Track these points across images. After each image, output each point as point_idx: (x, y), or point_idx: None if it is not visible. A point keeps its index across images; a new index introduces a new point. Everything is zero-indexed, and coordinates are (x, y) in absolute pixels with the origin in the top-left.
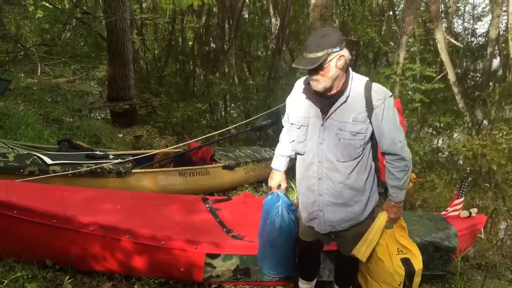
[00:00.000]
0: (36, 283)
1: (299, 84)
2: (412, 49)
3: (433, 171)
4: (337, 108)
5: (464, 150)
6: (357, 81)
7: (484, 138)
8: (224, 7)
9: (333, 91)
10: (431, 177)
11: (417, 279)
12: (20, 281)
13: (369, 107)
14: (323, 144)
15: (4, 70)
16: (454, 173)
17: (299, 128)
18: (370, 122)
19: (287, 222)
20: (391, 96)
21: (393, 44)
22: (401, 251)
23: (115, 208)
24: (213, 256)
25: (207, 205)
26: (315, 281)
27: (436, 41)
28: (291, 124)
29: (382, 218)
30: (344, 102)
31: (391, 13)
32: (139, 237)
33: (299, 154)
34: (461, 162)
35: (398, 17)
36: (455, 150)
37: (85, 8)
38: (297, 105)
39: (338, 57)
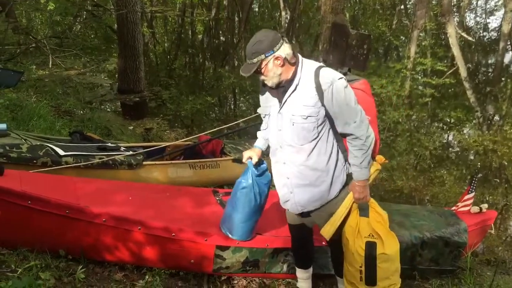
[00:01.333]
0: (49, 272)
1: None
2: (423, 44)
3: (443, 166)
4: (289, 96)
5: (474, 145)
6: (308, 68)
7: (495, 133)
8: (234, 0)
9: (283, 83)
10: (441, 172)
11: (383, 265)
12: (33, 270)
13: (319, 91)
14: (282, 130)
15: (16, 62)
16: (464, 169)
17: (264, 117)
18: (323, 105)
19: (248, 188)
20: (340, 78)
21: (404, 38)
22: (372, 235)
23: (126, 200)
24: (223, 248)
25: (217, 198)
26: (311, 269)
27: (448, 35)
28: (260, 113)
29: (348, 198)
30: (294, 90)
31: (402, 7)
32: (150, 229)
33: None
34: (471, 157)
35: (409, 11)
36: (465, 146)
37: (95, 0)
38: (263, 97)
39: (273, 60)
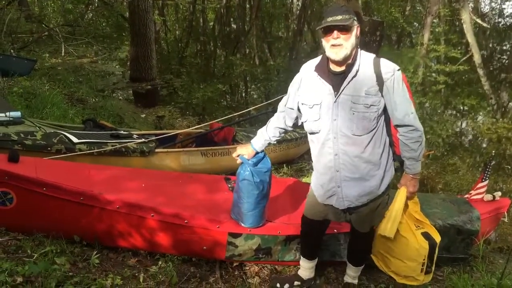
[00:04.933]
0: (64, 257)
1: (307, 67)
2: (436, 30)
3: (456, 154)
4: (348, 83)
5: (488, 133)
6: (365, 57)
7: (510, 121)
8: None
9: (344, 67)
10: (454, 160)
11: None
12: (49, 255)
13: (380, 81)
14: (337, 120)
15: (29, 50)
16: (478, 156)
17: (311, 108)
18: (382, 96)
19: (247, 179)
20: (399, 69)
21: (417, 25)
22: (419, 226)
23: (139, 187)
24: (235, 235)
25: (229, 185)
26: (316, 260)
27: (462, 21)
28: (302, 104)
29: (402, 193)
30: (355, 76)
31: None
32: (163, 215)
33: (313, 133)
34: (485, 145)
35: None
36: (479, 133)
37: None
38: (307, 86)
39: (357, 27)
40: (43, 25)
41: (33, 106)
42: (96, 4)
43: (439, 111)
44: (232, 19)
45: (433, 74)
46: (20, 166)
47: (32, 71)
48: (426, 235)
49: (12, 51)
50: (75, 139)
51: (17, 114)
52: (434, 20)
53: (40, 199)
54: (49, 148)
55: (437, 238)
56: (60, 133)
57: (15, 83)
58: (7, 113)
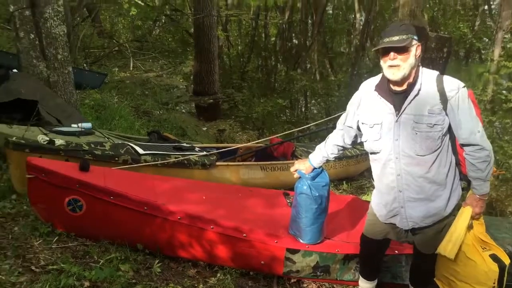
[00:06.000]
0: (128, 264)
1: (366, 85)
2: (508, 46)
3: None
4: (410, 102)
5: None
6: (428, 75)
7: None
8: (308, 3)
9: (405, 86)
10: None
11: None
12: (114, 262)
13: (443, 99)
14: (399, 140)
15: (100, 64)
16: None
17: (372, 127)
18: (446, 114)
19: (306, 193)
20: (464, 86)
21: (487, 40)
22: (485, 248)
23: (200, 199)
24: (293, 251)
25: (288, 200)
26: (376, 281)
27: None
28: (362, 123)
29: (466, 213)
30: (417, 95)
31: (486, 7)
32: (222, 228)
33: (374, 152)
34: None
35: (493, 11)
36: None
37: (174, 5)
38: (367, 104)
39: (417, 46)
40: (114, 41)
41: (102, 118)
42: (163, 21)
43: (510, 130)
44: (293, 35)
45: (504, 92)
46: (90, 175)
47: (102, 84)
48: (494, 257)
49: (85, 65)
50: (140, 151)
51: (88, 125)
52: (505, 36)
53: (107, 207)
54: (116, 159)
55: (506, 260)
56: (127, 144)
57: (87, 96)
58: (79, 124)
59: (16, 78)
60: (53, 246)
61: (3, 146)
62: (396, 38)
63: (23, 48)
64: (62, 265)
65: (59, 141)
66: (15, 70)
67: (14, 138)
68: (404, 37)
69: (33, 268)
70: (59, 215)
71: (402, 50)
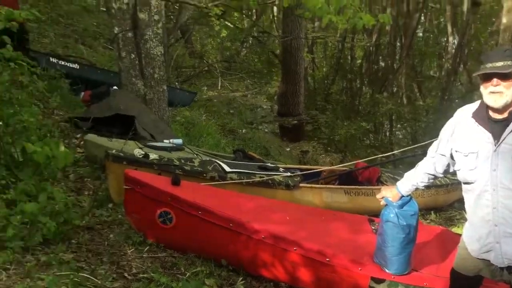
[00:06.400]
0: (213, 279)
1: (462, 112)
2: None
3: None
4: (510, 131)
5: None
6: None
7: None
8: (397, 26)
9: (506, 114)
10: None
11: None
12: (199, 275)
13: None
14: (497, 170)
15: (190, 83)
16: None
17: (466, 156)
18: None
19: (392, 221)
20: None
21: None
22: None
23: (284, 219)
24: (378, 281)
25: (373, 227)
26: None
27: None
28: (456, 151)
29: None
30: None
31: None
32: (305, 250)
33: (468, 183)
34: None
35: None
36: None
37: (261, 27)
38: (462, 132)
39: None
40: (204, 61)
41: (191, 135)
42: (250, 42)
43: None
44: (380, 57)
45: None
46: (181, 189)
47: (192, 103)
48: None
49: (176, 83)
50: (227, 168)
51: (179, 141)
52: None
53: (195, 222)
54: (204, 175)
55: None
56: (214, 161)
57: (178, 113)
58: (171, 140)
59: (116, 95)
60: (144, 255)
61: (103, 158)
62: (500, 64)
63: (124, 67)
64: (152, 274)
65: (153, 156)
66: (115, 87)
67: (113, 151)
68: (508, 63)
69: (125, 275)
70: (150, 226)
71: (506, 76)
